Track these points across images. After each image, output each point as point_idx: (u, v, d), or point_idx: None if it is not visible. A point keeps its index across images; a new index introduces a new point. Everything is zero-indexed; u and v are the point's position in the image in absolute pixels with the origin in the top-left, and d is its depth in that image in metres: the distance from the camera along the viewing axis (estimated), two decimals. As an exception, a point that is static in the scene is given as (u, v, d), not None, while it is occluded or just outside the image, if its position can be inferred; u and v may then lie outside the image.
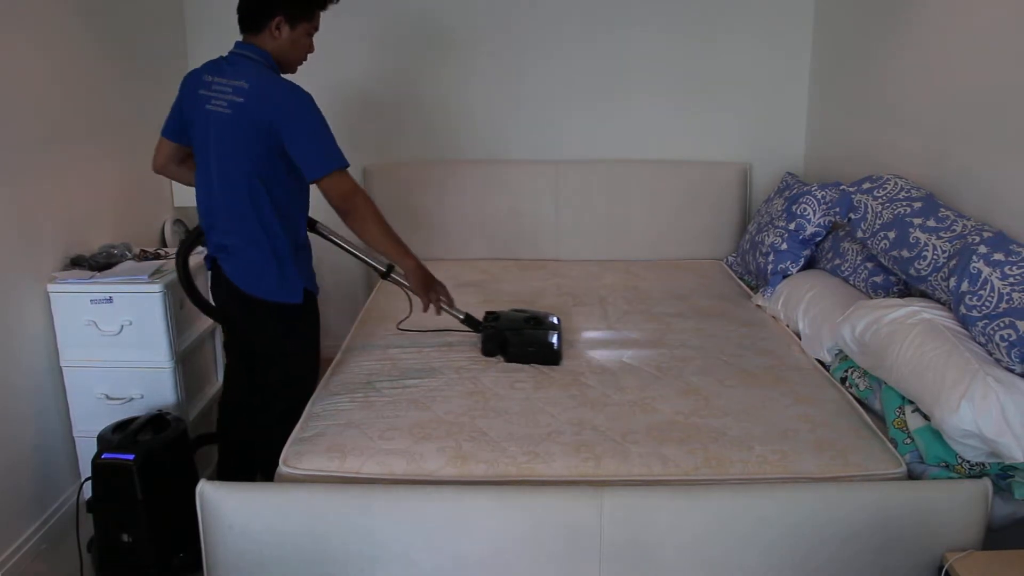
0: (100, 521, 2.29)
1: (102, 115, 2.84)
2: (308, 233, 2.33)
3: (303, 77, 2.23)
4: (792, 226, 2.90)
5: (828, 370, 2.39)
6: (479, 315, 2.58)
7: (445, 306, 2.38)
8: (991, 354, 1.87)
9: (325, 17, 2.26)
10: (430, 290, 2.33)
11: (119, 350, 2.53)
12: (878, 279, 2.49)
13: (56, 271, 2.53)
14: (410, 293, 2.42)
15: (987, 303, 1.88)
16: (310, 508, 1.77)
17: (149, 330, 2.53)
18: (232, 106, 2.09)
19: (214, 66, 2.17)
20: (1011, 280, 1.86)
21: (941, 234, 2.16)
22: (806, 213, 2.87)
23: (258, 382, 2.37)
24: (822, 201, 2.86)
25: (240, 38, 2.20)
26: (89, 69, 2.77)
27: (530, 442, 1.97)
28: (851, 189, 2.57)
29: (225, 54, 2.20)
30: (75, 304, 2.49)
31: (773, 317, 2.83)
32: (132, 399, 2.58)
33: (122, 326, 2.51)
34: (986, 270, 1.92)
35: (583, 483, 1.84)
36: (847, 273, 2.65)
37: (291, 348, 2.31)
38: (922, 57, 2.65)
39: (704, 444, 1.95)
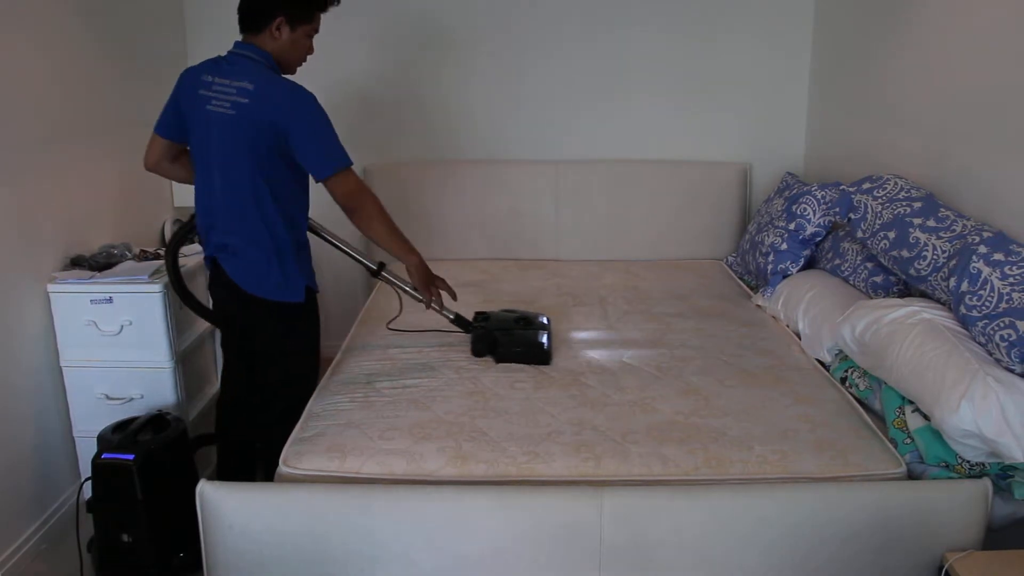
0: (100, 521, 2.29)
1: (102, 115, 2.84)
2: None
3: (303, 77, 2.23)
4: (792, 226, 2.90)
5: (828, 370, 2.39)
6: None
7: (435, 306, 2.40)
8: (991, 354, 1.87)
9: (325, 17, 2.26)
10: (431, 286, 2.36)
11: (119, 350, 2.53)
12: (878, 279, 2.49)
13: (56, 271, 2.53)
14: (401, 292, 2.45)
15: (987, 303, 1.88)
16: (310, 508, 1.77)
17: (149, 330, 2.53)
18: (236, 107, 2.09)
19: (214, 66, 2.16)
20: (1011, 280, 1.86)
21: (941, 234, 2.16)
22: (806, 213, 2.87)
23: (258, 381, 2.37)
24: (822, 201, 2.86)
25: (239, 38, 2.20)
26: (89, 69, 2.77)
27: (530, 442, 1.97)
28: (851, 189, 2.57)
29: (224, 54, 2.20)
30: (75, 304, 2.49)
31: (773, 317, 2.83)
32: (132, 399, 2.58)
33: (122, 326, 2.51)
34: (986, 270, 1.92)
35: (583, 483, 1.83)
36: (847, 273, 2.65)
37: (292, 347, 2.31)
38: (922, 57, 2.65)
39: (704, 444, 1.95)
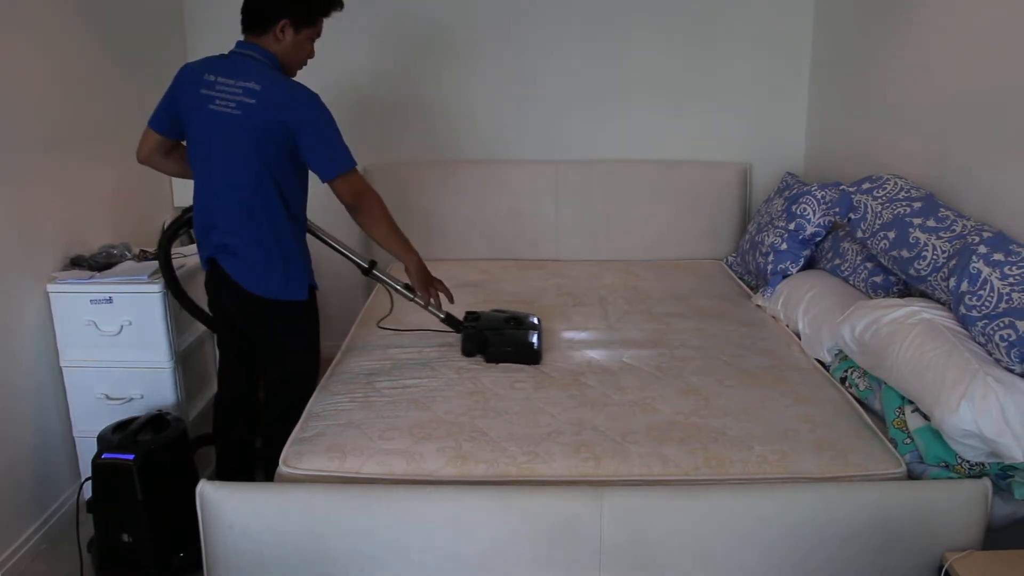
0: (100, 521, 2.29)
1: (102, 115, 2.84)
2: None
3: (304, 77, 2.24)
4: (792, 226, 2.90)
5: (828, 370, 2.39)
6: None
7: (431, 306, 2.43)
8: (991, 354, 1.87)
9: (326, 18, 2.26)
10: (429, 285, 2.39)
11: (119, 350, 2.53)
12: (878, 279, 2.49)
13: (56, 271, 2.53)
14: (391, 291, 2.48)
15: (987, 303, 1.88)
16: (310, 508, 1.77)
17: (149, 330, 2.53)
18: (242, 107, 2.09)
19: (216, 64, 2.15)
20: (1011, 280, 1.86)
21: (941, 234, 2.16)
22: (806, 213, 2.87)
23: (258, 380, 2.37)
24: (822, 201, 2.86)
25: (239, 37, 2.20)
26: (89, 69, 2.77)
27: (530, 442, 1.97)
28: (851, 189, 2.57)
29: (225, 53, 2.19)
30: (75, 304, 2.49)
31: (773, 317, 2.83)
32: (132, 399, 2.58)
33: (122, 326, 2.51)
34: (986, 270, 1.92)
35: (583, 483, 1.83)
36: (847, 273, 2.65)
37: (292, 345, 2.32)
38: (922, 57, 2.65)
39: (704, 444, 1.95)
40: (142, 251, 2.77)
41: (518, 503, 1.77)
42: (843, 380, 2.30)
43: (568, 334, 2.67)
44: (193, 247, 2.80)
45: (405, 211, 3.49)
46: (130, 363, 2.56)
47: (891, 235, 2.31)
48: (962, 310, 1.95)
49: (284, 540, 1.77)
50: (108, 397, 2.57)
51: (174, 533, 2.29)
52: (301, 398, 2.23)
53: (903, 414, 2.00)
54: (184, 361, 2.67)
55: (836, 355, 2.39)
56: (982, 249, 1.95)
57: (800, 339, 2.59)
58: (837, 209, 2.60)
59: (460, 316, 2.56)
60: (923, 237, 2.19)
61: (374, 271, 2.43)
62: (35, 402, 2.48)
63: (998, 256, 1.92)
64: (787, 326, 2.72)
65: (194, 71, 2.18)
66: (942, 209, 2.25)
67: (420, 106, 3.62)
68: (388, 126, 3.64)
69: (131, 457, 2.22)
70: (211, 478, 1.83)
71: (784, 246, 2.90)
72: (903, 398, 2.03)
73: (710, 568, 1.78)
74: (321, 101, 2.13)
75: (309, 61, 2.28)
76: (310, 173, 2.21)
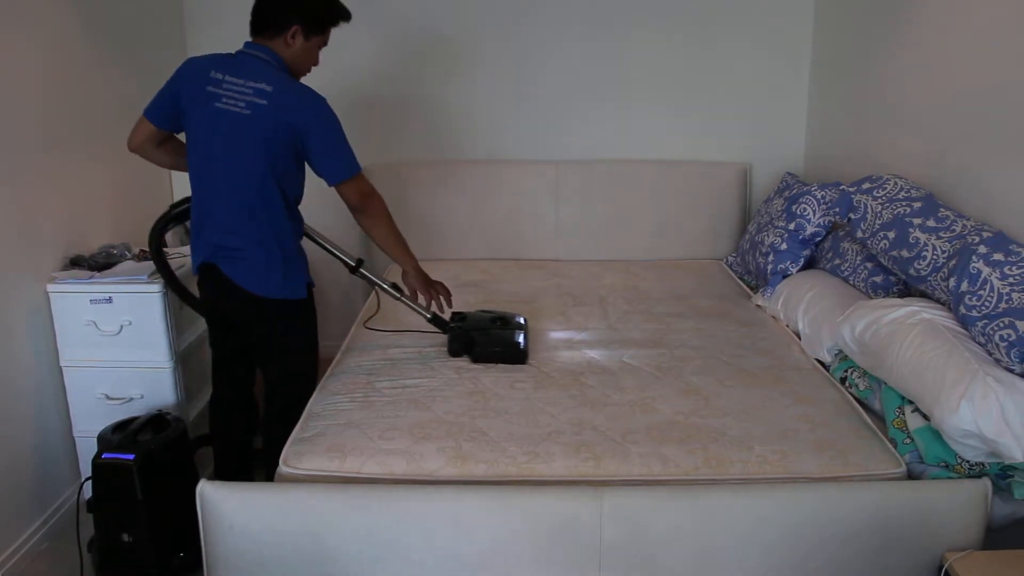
0: (100, 521, 2.29)
1: (102, 115, 2.84)
2: None
3: (306, 76, 2.24)
4: (792, 226, 2.90)
5: (828, 370, 2.39)
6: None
7: (412, 303, 2.48)
8: (991, 354, 1.87)
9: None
10: (430, 287, 2.44)
11: (119, 350, 2.53)
12: (878, 279, 2.49)
13: (56, 271, 2.53)
14: (379, 292, 2.52)
15: (987, 303, 1.88)
16: (310, 508, 1.77)
17: (149, 330, 2.53)
18: (252, 107, 2.08)
19: (224, 63, 2.14)
20: (1011, 280, 1.86)
21: (941, 234, 2.16)
22: (806, 213, 2.87)
23: (254, 378, 2.37)
24: (822, 201, 2.86)
25: (242, 39, 2.19)
26: (89, 69, 2.77)
27: (530, 442, 1.97)
28: (851, 189, 2.57)
29: (232, 52, 2.19)
30: (75, 304, 2.49)
31: (773, 317, 2.83)
32: (132, 399, 2.58)
33: (122, 326, 2.51)
34: (986, 270, 1.92)
35: (583, 483, 1.83)
36: (847, 273, 2.65)
37: (292, 344, 2.32)
38: (922, 57, 2.65)
39: (704, 444, 1.95)
40: (142, 251, 2.76)
41: (518, 503, 1.77)
42: (843, 380, 2.30)
43: (568, 334, 2.68)
44: (185, 248, 2.79)
45: (405, 211, 3.50)
46: (130, 363, 2.56)
47: (891, 235, 2.31)
48: (962, 310, 1.95)
49: (284, 540, 1.77)
50: (108, 397, 2.57)
51: (174, 533, 2.29)
52: (301, 398, 2.23)
53: (903, 414, 2.00)
54: (184, 361, 2.67)
55: (836, 355, 2.39)
56: (982, 249, 1.95)
57: (800, 339, 2.59)
58: (837, 209, 2.60)
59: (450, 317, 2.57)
60: (923, 237, 2.19)
61: (361, 270, 2.44)
62: (35, 402, 2.48)
63: (998, 256, 1.92)
64: (787, 326, 2.72)
65: (199, 67, 2.15)
66: (942, 209, 2.25)
67: (420, 106, 3.62)
68: (389, 126, 3.64)
69: (131, 457, 2.22)
70: (211, 478, 1.83)
71: (784, 246, 2.90)
72: (903, 398, 2.03)
73: (710, 568, 1.78)
74: (328, 105, 2.14)
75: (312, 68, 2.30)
76: (309, 173, 2.21)
